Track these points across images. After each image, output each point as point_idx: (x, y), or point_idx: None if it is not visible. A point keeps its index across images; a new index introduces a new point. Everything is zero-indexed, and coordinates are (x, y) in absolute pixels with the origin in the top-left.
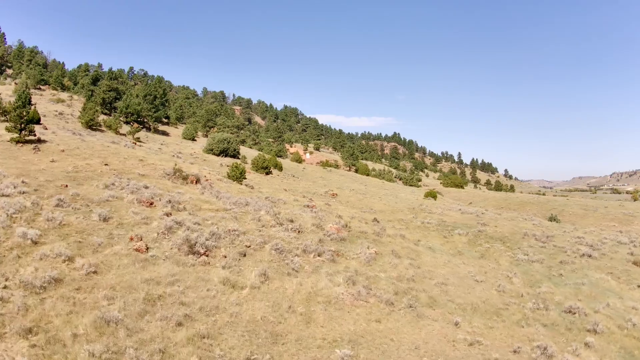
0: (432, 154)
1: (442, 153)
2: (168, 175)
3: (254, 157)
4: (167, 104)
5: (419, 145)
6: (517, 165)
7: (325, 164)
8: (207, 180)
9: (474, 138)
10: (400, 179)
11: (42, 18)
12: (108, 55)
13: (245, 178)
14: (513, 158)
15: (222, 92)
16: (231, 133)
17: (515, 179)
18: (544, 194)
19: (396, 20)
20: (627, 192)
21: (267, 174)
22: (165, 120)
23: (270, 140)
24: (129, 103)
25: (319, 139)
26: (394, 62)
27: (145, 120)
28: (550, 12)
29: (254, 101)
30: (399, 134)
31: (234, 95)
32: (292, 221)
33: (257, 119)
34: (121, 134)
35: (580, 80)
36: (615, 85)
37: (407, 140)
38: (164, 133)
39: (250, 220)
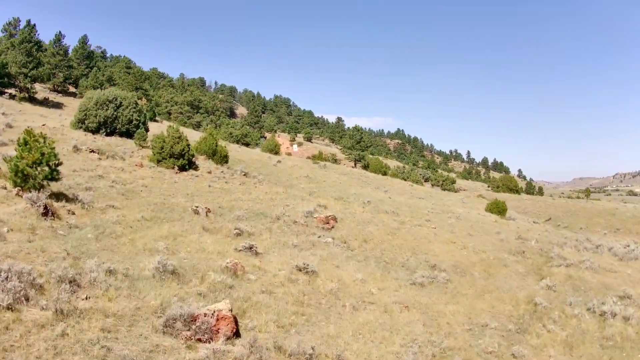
0: (439, 152)
1: (451, 151)
2: None
3: (157, 135)
4: (75, 68)
5: (424, 143)
6: (515, 166)
7: (317, 157)
8: None
9: (470, 137)
10: (426, 180)
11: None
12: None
13: (57, 179)
14: (511, 159)
15: (201, 79)
16: (180, 112)
17: (530, 179)
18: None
19: (396, 19)
20: None
21: (182, 169)
22: (74, 90)
23: (247, 126)
24: None
25: (312, 128)
26: (395, 61)
27: (17, 80)
28: (550, 12)
29: (240, 90)
30: (402, 130)
31: (216, 83)
32: None
33: (242, 109)
34: None
35: (580, 79)
36: (615, 85)
37: (412, 138)
38: (56, 105)
39: None
